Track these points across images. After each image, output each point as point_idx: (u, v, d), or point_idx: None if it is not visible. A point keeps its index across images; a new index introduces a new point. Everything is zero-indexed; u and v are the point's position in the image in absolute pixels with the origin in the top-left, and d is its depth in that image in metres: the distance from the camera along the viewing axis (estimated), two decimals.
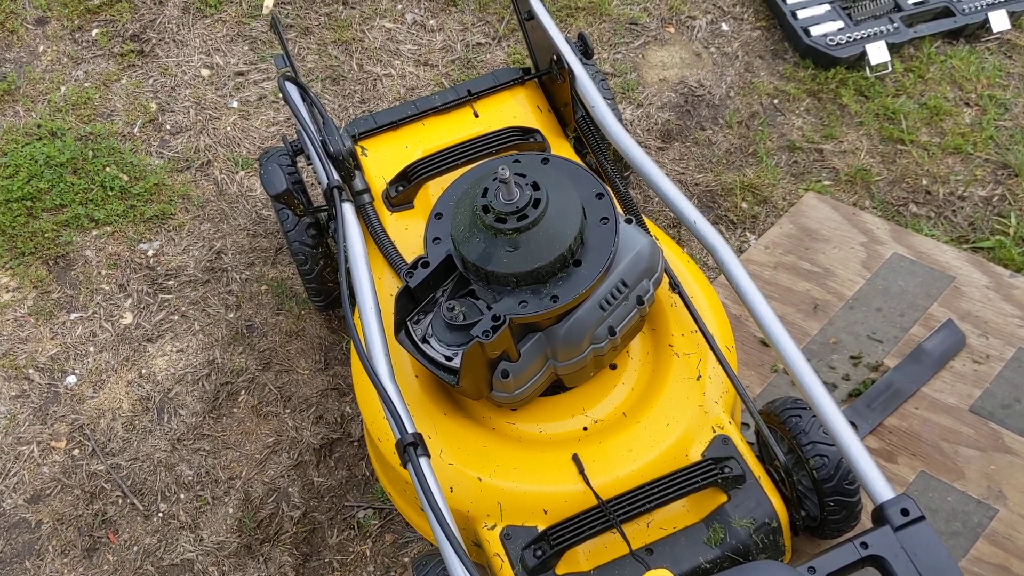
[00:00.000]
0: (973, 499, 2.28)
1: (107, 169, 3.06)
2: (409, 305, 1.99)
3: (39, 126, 3.17)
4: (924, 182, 3.06)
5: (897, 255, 2.80)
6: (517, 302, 1.88)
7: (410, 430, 1.84)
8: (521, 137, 2.40)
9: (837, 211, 2.96)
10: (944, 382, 2.49)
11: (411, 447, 1.81)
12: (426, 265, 1.97)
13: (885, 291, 2.72)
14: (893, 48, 3.34)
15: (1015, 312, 2.62)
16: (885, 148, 3.15)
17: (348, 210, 2.17)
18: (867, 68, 3.33)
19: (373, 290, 2.07)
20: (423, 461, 1.81)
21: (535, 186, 1.88)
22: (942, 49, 3.40)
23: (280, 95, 3.28)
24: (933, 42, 3.41)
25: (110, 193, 3.01)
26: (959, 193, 3.03)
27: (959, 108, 3.24)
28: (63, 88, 3.31)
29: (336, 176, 2.20)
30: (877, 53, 3.32)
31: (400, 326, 1.98)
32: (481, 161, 2.31)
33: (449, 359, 1.94)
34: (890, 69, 3.33)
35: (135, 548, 2.41)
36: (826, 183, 3.08)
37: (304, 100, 2.31)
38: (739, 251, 2.91)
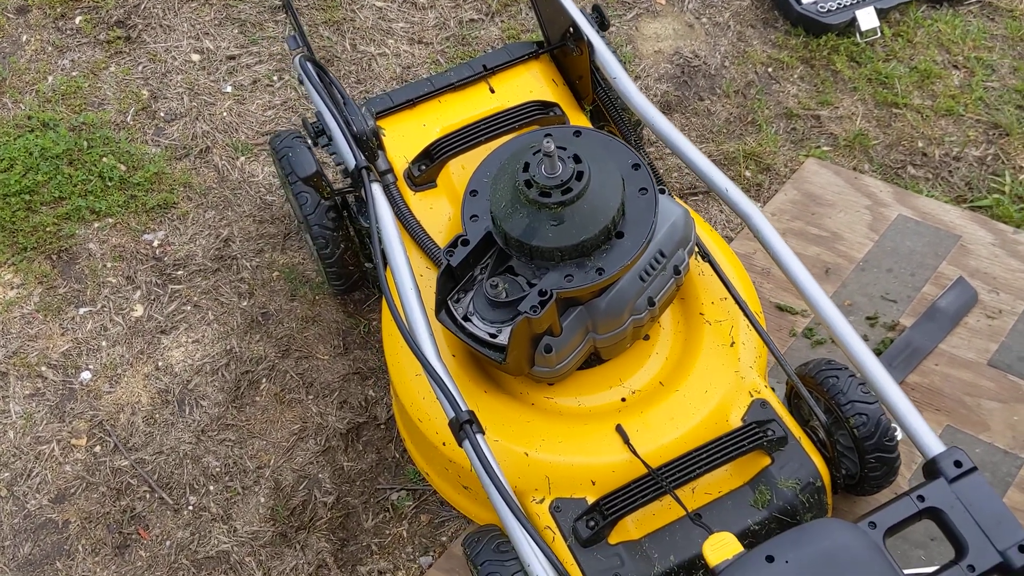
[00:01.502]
0: (1000, 450, 2.34)
1: (104, 159, 2.99)
2: (449, 284, 1.98)
3: (30, 118, 3.08)
4: (920, 144, 3.12)
5: (902, 216, 2.85)
6: (562, 276, 1.88)
7: (463, 408, 1.84)
8: (541, 111, 2.39)
9: (839, 176, 3.00)
10: (961, 338, 2.55)
11: (467, 424, 1.81)
12: (466, 243, 1.96)
13: (894, 252, 2.77)
14: (881, 14, 3.38)
15: (1022, 267, 2.68)
16: (880, 112, 3.20)
17: (378, 191, 2.15)
18: (857, 34, 3.37)
19: (411, 271, 2.05)
20: (479, 438, 1.81)
21: (576, 158, 1.88)
22: (927, 13, 3.45)
23: (278, 78, 3.23)
24: (918, 7, 3.46)
25: (109, 184, 2.94)
26: (954, 154, 3.09)
27: (948, 71, 3.30)
28: (50, 78, 3.22)
29: (363, 157, 2.17)
30: (867, 19, 3.36)
31: (441, 305, 1.97)
32: (505, 137, 2.30)
33: (493, 336, 1.94)
34: (879, 35, 3.37)
35: (167, 543, 2.38)
36: (825, 149, 3.12)
37: (322, 80, 2.27)
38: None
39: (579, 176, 1.86)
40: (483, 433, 1.83)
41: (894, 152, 3.11)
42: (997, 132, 3.14)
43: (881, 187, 2.96)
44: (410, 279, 2.04)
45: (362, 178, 2.13)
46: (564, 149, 1.89)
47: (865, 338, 2.59)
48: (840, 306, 2.65)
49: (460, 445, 1.83)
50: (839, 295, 2.69)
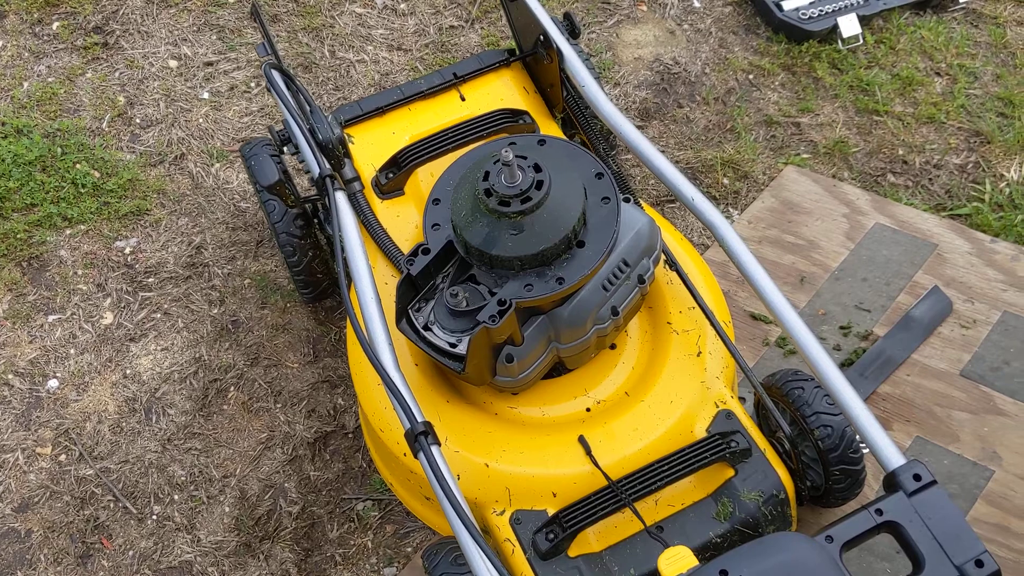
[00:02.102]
0: (969, 461, 2.31)
1: (77, 166, 2.98)
2: (410, 293, 1.96)
3: (3, 124, 3.07)
4: (900, 152, 3.10)
5: (879, 225, 2.83)
6: (522, 285, 1.86)
7: (420, 419, 1.82)
8: (510, 119, 2.38)
9: (817, 183, 2.98)
10: (934, 348, 2.53)
11: (422, 436, 1.79)
12: (427, 252, 1.94)
13: (870, 261, 2.75)
14: (863, 20, 3.37)
15: (998, 276, 2.66)
16: (861, 119, 3.18)
17: (342, 199, 2.13)
18: (839, 41, 3.35)
19: (372, 280, 2.03)
20: (434, 450, 1.79)
21: (537, 168, 1.86)
22: (911, 20, 3.44)
23: (255, 84, 3.22)
24: (902, 13, 3.44)
25: (82, 190, 2.93)
26: (935, 162, 3.07)
27: (930, 78, 3.28)
28: (26, 84, 3.21)
29: (327, 165, 2.16)
30: (848, 26, 3.34)
31: (402, 314, 1.95)
32: (473, 145, 2.29)
33: (453, 346, 1.92)
34: (861, 41, 3.36)
35: (130, 552, 2.36)
36: (805, 156, 3.10)
37: (289, 88, 2.26)
38: None
39: (539, 185, 1.84)
40: (439, 444, 1.81)
41: (874, 160, 3.09)
42: (979, 140, 3.12)
43: (860, 195, 2.93)
44: (371, 288, 2.02)
45: (326, 186, 2.12)
46: (525, 158, 1.87)
47: (837, 348, 2.57)
48: (814, 315, 2.64)
49: (415, 456, 1.81)
50: (813, 304, 2.67)
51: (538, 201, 1.83)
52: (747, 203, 2.98)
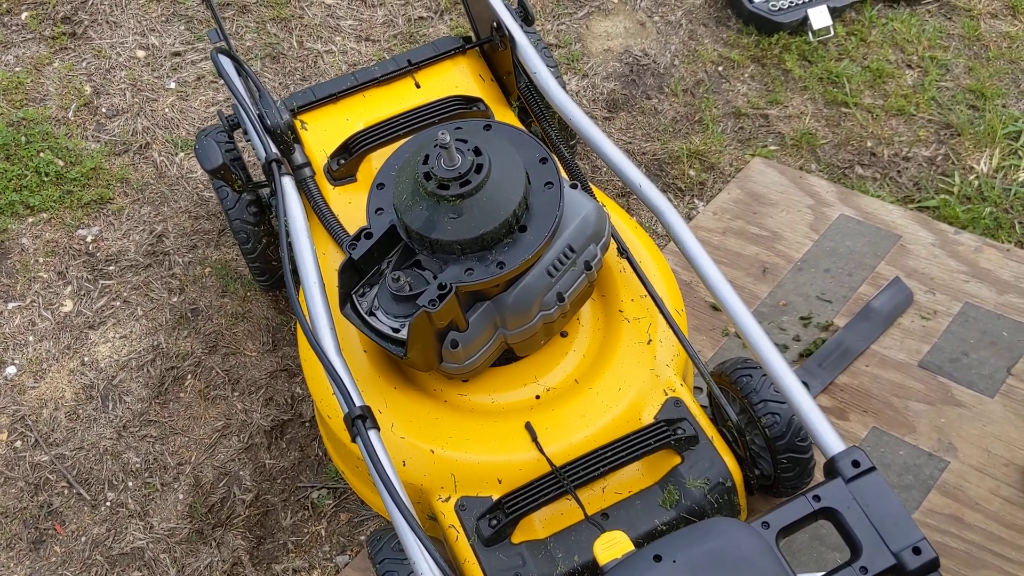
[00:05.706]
0: (924, 452, 2.30)
1: (41, 154, 2.97)
2: (354, 278, 1.95)
3: None
4: (869, 144, 3.08)
5: (844, 216, 2.82)
6: (463, 270, 1.85)
7: (358, 403, 1.81)
8: (464, 106, 2.36)
9: (784, 175, 2.97)
10: (893, 339, 2.51)
11: (359, 420, 1.78)
12: (369, 236, 1.94)
13: (833, 252, 2.73)
14: (835, 12, 3.36)
15: (960, 267, 2.64)
16: (829, 112, 3.17)
17: (288, 184, 2.12)
18: (810, 33, 3.34)
19: (316, 264, 2.02)
20: (372, 434, 1.78)
21: (477, 151, 1.85)
22: (883, 12, 3.42)
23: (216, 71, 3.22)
24: (874, 5, 3.43)
25: (45, 179, 2.93)
26: (903, 154, 3.06)
27: (901, 70, 3.27)
28: None
29: (274, 149, 2.15)
30: (819, 18, 3.33)
31: (345, 299, 1.94)
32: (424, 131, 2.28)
33: (397, 331, 1.91)
34: (832, 33, 3.34)
35: (83, 538, 2.35)
36: (772, 148, 3.09)
37: (239, 74, 2.25)
38: (688, 218, 2.91)
39: (478, 168, 1.83)
40: (377, 429, 1.80)
41: (842, 152, 3.07)
42: (948, 132, 3.10)
43: (826, 187, 2.92)
44: (315, 273, 2.01)
45: (272, 171, 2.11)
46: (465, 142, 1.87)
47: (797, 338, 2.56)
48: (775, 306, 2.63)
49: (353, 440, 1.80)
50: (775, 295, 2.66)
51: (477, 184, 1.82)
52: (713, 194, 2.97)
